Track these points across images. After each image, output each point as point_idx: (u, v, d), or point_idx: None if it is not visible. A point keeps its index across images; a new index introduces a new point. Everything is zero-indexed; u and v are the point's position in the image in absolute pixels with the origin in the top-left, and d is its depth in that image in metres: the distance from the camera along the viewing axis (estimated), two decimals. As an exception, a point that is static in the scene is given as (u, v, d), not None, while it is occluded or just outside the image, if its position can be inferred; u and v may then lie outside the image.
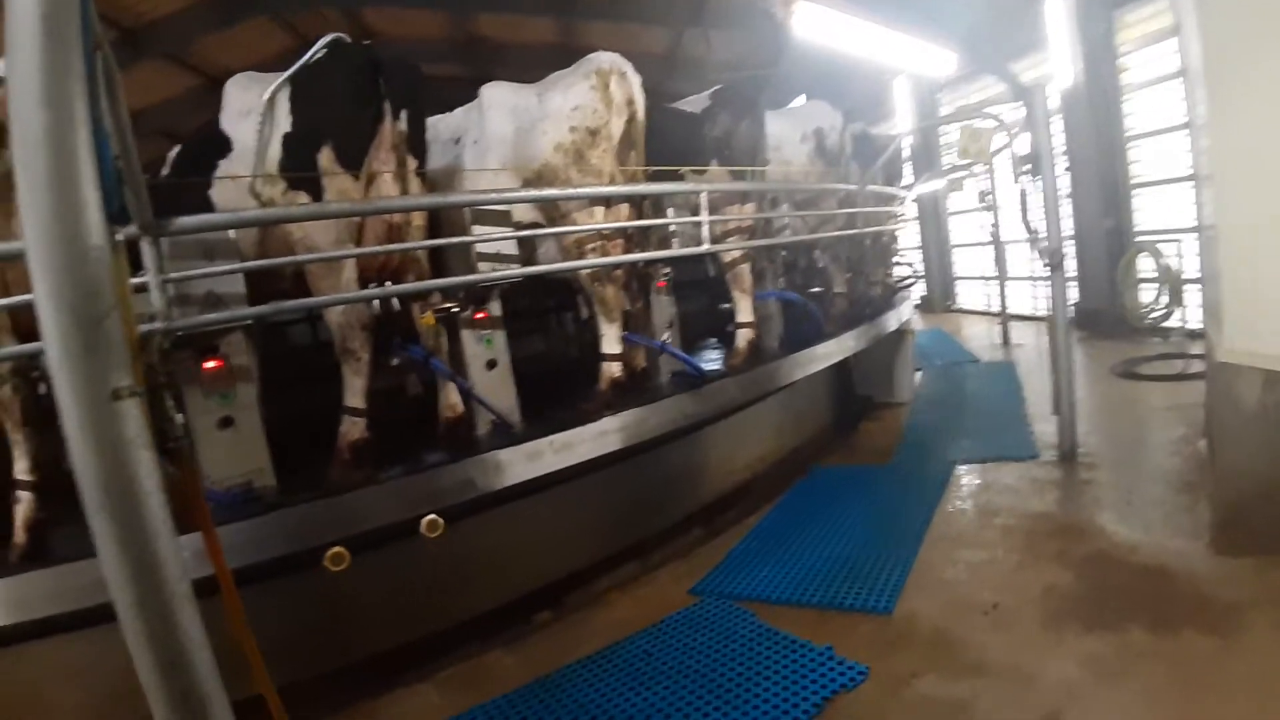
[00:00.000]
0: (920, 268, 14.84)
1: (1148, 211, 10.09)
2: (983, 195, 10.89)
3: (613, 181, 4.31)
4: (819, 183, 6.56)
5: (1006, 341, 10.79)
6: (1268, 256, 3.65)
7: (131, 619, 1.40)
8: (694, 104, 5.47)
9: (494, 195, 3.91)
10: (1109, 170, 10.19)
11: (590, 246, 4.33)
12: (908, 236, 13.33)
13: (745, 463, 5.58)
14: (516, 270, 3.95)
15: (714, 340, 6.70)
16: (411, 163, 3.81)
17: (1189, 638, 3.08)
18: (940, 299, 15.81)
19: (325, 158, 3.42)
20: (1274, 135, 3.49)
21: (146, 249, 2.49)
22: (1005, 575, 3.87)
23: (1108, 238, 10.21)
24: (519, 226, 4.15)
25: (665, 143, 4.95)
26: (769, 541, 4.68)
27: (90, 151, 1.33)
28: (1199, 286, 9.05)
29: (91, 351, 1.30)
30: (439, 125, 4.83)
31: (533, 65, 4.48)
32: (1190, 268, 9.15)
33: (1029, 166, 5.38)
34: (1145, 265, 9.40)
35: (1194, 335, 8.86)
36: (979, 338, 11.80)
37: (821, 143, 6.59)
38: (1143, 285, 9.52)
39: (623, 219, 4.48)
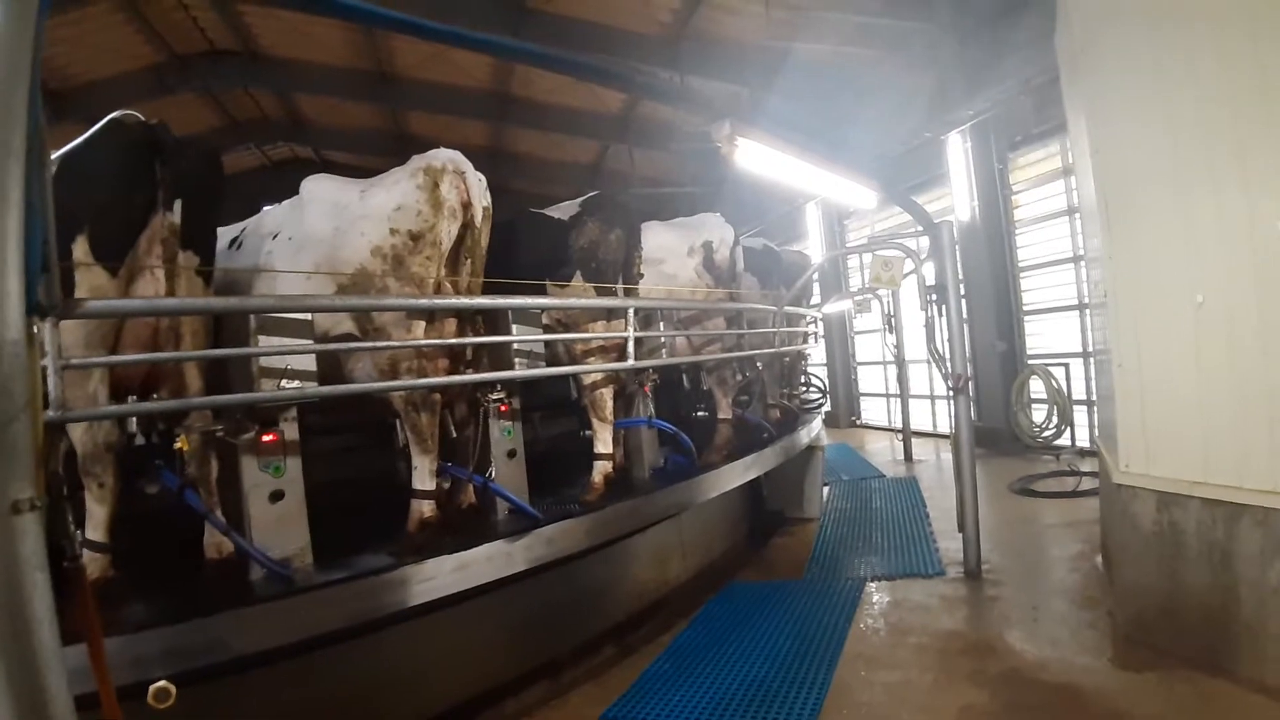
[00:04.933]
0: (826, 384, 15.31)
1: (1038, 337, 10.80)
2: (887, 317, 11.37)
3: (439, 293, 3.80)
4: (706, 299, 6.02)
5: (909, 457, 11.11)
6: (1158, 383, 3.89)
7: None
8: (565, 210, 4.98)
9: (285, 301, 3.38)
10: (1003, 298, 10.93)
11: (405, 366, 3.75)
12: (816, 354, 13.75)
13: (658, 578, 5.42)
14: (310, 389, 3.36)
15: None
16: (191, 259, 3.28)
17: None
18: (845, 414, 16.25)
19: (80, 248, 2.94)
20: (1162, 268, 3.79)
21: (48, 332, 2.24)
22: (922, 696, 3.83)
23: (1002, 361, 10.82)
24: (325, 337, 3.65)
25: (525, 251, 4.66)
26: (684, 662, 4.52)
27: (19, 238, 1.19)
28: (1085, 407, 9.80)
29: (-7, 457, 1.12)
30: (264, 218, 4.36)
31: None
32: (1078, 389, 9.91)
33: (935, 295, 5.65)
34: (1036, 387, 10.14)
35: (1083, 453, 9.47)
36: (882, 453, 12.12)
37: (710, 256, 6.06)
38: (1034, 405, 10.26)
39: (449, 335, 3.91)
